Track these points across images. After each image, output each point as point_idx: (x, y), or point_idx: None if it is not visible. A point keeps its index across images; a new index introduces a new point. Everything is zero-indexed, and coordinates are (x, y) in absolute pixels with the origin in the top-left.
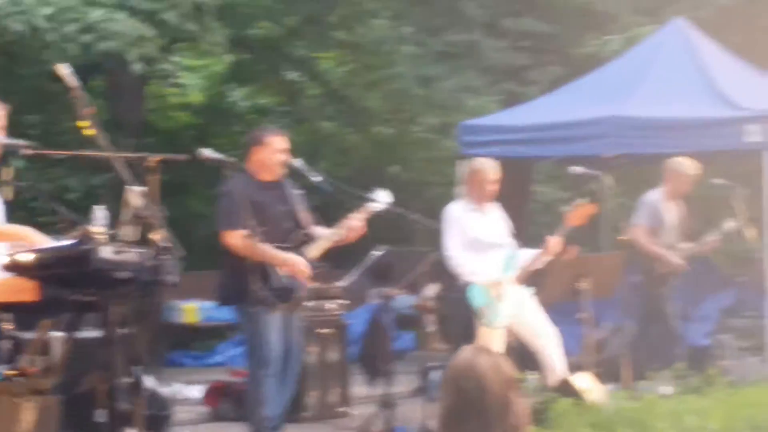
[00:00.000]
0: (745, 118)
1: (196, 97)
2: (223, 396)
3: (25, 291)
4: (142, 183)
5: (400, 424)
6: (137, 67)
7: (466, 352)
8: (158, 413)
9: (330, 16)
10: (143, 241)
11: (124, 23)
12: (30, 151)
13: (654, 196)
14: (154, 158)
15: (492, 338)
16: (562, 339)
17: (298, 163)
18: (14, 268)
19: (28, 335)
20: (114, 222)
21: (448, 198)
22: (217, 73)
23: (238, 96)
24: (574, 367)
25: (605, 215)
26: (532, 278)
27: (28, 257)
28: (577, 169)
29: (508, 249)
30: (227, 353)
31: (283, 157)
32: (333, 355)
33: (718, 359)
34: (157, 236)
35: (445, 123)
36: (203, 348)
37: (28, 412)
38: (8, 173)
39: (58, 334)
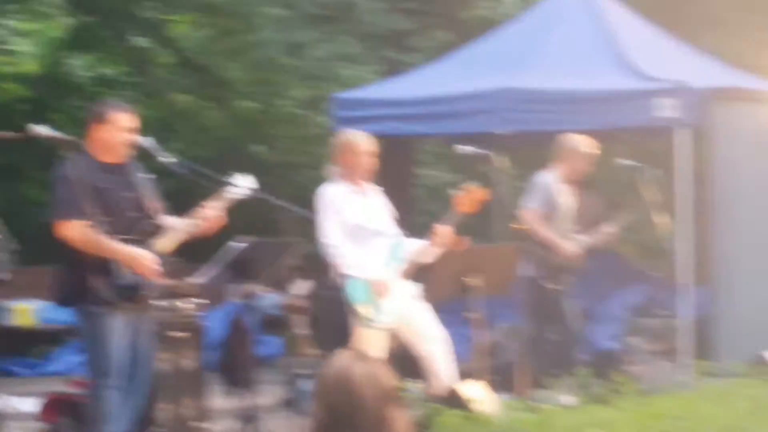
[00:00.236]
0: (656, 91)
1: (29, 66)
2: (61, 410)
3: None
4: None
5: None
6: None
7: (339, 360)
8: None
9: None
10: None
11: None
12: None
13: (547, 177)
14: None
15: (372, 341)
16: (450, 343)
17: (147, 142)
18: None
19: None
20: None
21: (319, 182)
22: (54, 39)
23: (79, 65)
24: (463, 374)
25: (498, 201)
26: (418, 273)
27: None
28: (466, 149)
29: (394, 238)
30: (66, 361)
31: (129, 135)
32: (188, 363)
33: (627, 364)
34: None
35: (317, 96)
36: (39, 355)
37: None
38: None
39: None
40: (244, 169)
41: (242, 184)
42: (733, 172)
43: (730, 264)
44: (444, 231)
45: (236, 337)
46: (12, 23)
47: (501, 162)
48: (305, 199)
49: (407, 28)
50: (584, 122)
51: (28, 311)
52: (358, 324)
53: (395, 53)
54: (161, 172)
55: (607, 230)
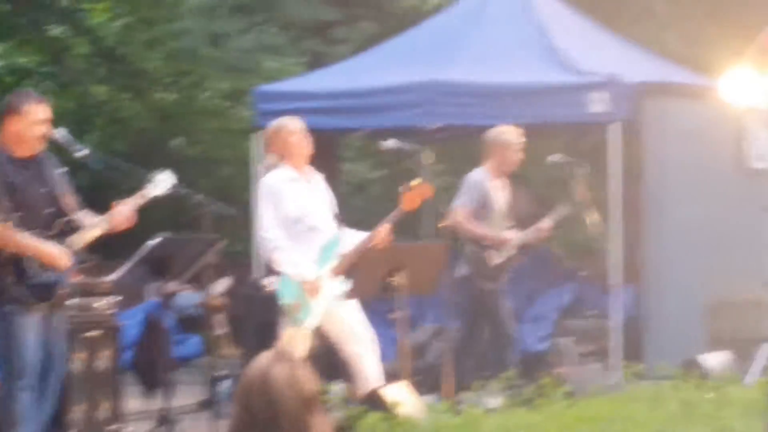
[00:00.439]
0: (587, 85)
1: None
2: None
3: None
4: None
5: None
6: None
7: (260, 361)
8: None
9: None
10: None
11: None
12: None
13: (479, 174)
14: None
15: (299, 340)
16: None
17: (61, 134)
18: None
19: None
20: None
21: (241, 177)
22: None
23: None
24: (387, 376)
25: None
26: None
27: None
28: (392, 144)
29: (330, 235)
30: None
31: (43, 128)
32: (103, 363)
33: (555, 366)
34: None
35: (239, 89)
36: None
37: None
38: None
39: None
40: (163, 163)
41: (160, 182)
42: (664, 169)
43: (661, 263)
44: (385, 229)
45: (152, 337)
46: None
47: (427, 157)
48: (226, 195)
49: (332, 19)
50: (513, 117)
51: None
52: (286, 322)
53: (320, 45)
54: (76, 166)
55: (543, 226)
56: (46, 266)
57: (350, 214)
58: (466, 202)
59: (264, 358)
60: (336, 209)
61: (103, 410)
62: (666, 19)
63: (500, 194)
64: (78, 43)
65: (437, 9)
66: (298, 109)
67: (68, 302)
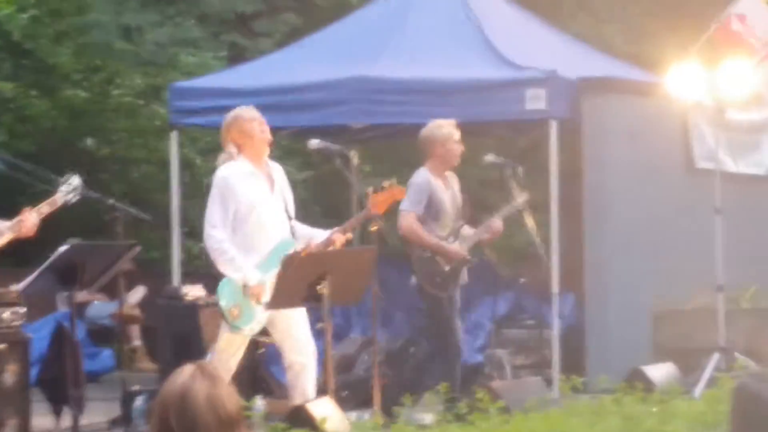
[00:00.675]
0: (527, 81)
1: None
2: None
3: None
4: None
5: None
6: None
7: (178, 377)
8: None
9: None
10: None
11: None
12: None
13: (423, 175)
14: None
15: (235, 347)
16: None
17: None
18: None
19: None
20: None
21: (157, 178)
22: None
23: None
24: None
25: (353, 201)
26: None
27: None
28: (316, 143)
29: (283, 235)
30: None
31: None
32: (9, 378)
33: (490, 379)
34: None
35: (155, 85)
36: None
37: None
38: None
39: None
40: (73, 164)
41: (67, 187)
42: (605, 169)
43: (603, 269)
44: (345, 231)
45: (61, 350)
46: None
47: (356, 158)
48: (141, 197)
49: (254, 11)
50: (446, 115)
51: None
52: (223, 327)
53: (240, 38)
54: None
55: (493, 224)
56: None
57: None
58: (413, 206)
59: (183, 374)
60: (292, 206)
61: (10, 429)
62: (606, 12)
63: (447, 193)
64: None
65: (364, 1)
66: (217, 107)
67: None
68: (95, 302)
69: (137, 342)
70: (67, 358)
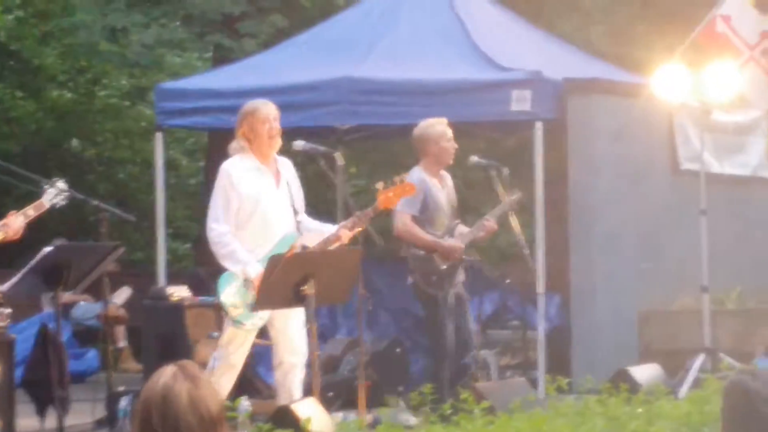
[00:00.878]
0: (512, 82)
1: None
2: None
3: None
4: None
5: None
6: None
7: (160, 377)
8: None
9: None
10: None
11: None
12: None
13: (417, 175)
14: None
15: (239, 343)
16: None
17: None
18: None
19: None
20: None
21: (142, 179)
22: None
23: None
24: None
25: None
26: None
27: None
28: (301, 145)
29: (287, 230)
30: None
31: None
32: None
33: (475, 380)
34: None
35: (140, 86)
36: None
37: None
38: None
39: None
40: (59, 166)
41: (52, 192)
42: (591, 170)
43: (589, 269)
44: (356, 226)
45: (47, 351)
46: None
47: (340, 159)
48: (127, 198)
49: (238, 12)
50: (432, 115)
51: None
52: (227, 321)
53: (226, 39)
54: None
55: (488, 222)
56: None
57: None
58: (408, 206)
59: (164, 374)
60: (300, 201)
61: None
62: (592, 13)
63: (442, 192)
64: None
65: (351, 1)
66: (203, 108)
67: None
68: (81, 303)
69: (123, 343)
70: (52, 358)
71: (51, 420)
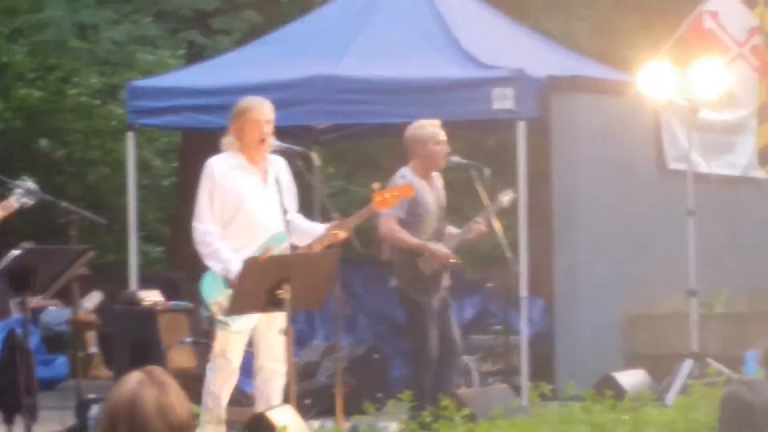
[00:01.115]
0: (494, 80)
1: None
2: None
3: None
4: None
5: None
6: None
7: (127, 384)
8: None
9: None
10: None
11: None
12: None
13: (407, 175)
14: None
15: (230, 345)
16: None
17: None
18: None
19: None
20: None
21: (115, 181)
22: None
23: None
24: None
25: (317, 203)
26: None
27: None
28: (277, 145)
29: (275, 229)
30: None
31: None
32: None
33: (457, 386)
34: None
35: (111, 84)
36: None
37: None
38: None
39: None
40: (28, 166)
41: (24, 189)
42: (575, 170)
43: (573, 273)
44: (349, 227)
45: (14, 357)
46: None
47: (316, 159)
48: (98, 200)
49: (212, 8)
50: (412, 115)
51: None
52: (215, 326)
53: (200, 36)
54: None
55: (477, 225)
56: None
57: None
58: (395, 209)
59: (131, 381)
60: (292, 200)
61: None
62: (576, 9)
63: (431, 194)
64: None
65: None
66: (176, 107)
67: None
68: (50, 308)
69: (93, 349)
70: (20, 365)
71: (18, 429)
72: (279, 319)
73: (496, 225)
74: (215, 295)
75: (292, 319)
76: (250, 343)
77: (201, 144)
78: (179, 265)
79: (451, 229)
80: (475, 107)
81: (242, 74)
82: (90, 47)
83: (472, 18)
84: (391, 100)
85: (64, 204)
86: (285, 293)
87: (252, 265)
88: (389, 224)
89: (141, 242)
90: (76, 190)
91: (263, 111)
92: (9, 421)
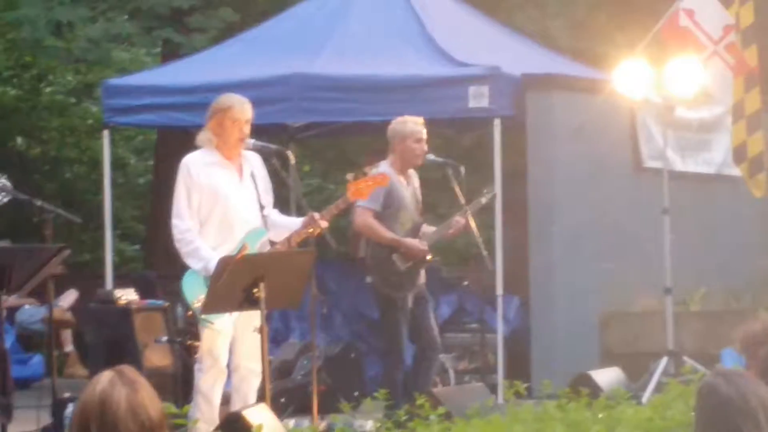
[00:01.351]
0: (469, 78)
1: None
2: None
3: None
4: None
5: None
6: None
7: (98, 383)
8: None
9: None
10: None
11: None
12: None
13: (384, 170)
14: None
15: (218, 345)
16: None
17: None
18: None
19: None
20: None
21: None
22: None
23: None
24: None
25: (292, 201)
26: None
27: None
28: (252, 143)
29: (253, 225)
30: None
31: None
32: None
33: (432, 385)
34: None
35: (87, 82)
36: None
37: None
38: None
39: None
40: (3, 165)
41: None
42: (551, 169)
43: (549, 271)
44: (325, 219)
45: None
46: None
47: (294, 157)
48: (74, 198)
49: (188, 6)
50: (387, 113)
51: None
52: (200, 325)
53: (175, 34)
54: None
55: (456, 222)
56: None
57: None
58: (371, 203)
59: (102, 380)
60: (268, 195)
61: None
62: (552, 6)
63: (407, 190)
64: None
65: None
66: (152, 105)
67: None
68: (25, 307)
69: (69, 347)
70: None
71: None
72: (255, 318)
73: (472, 223)
74: (197, 293)
75: (268, 318)
76: None
77: (177, 142)
78: (155, 263)
79: (427, 228)
80: (452, 105)
81: (218, 72)
82: (65, 45)
83: (447, 16)
84: (367, 98)
85: (39, 202)
86: (260, 292)
87: (226, 264)
88: (365, 217)
89: (116, 240)
90: (52, 189)
91: (244, 110)
92: None
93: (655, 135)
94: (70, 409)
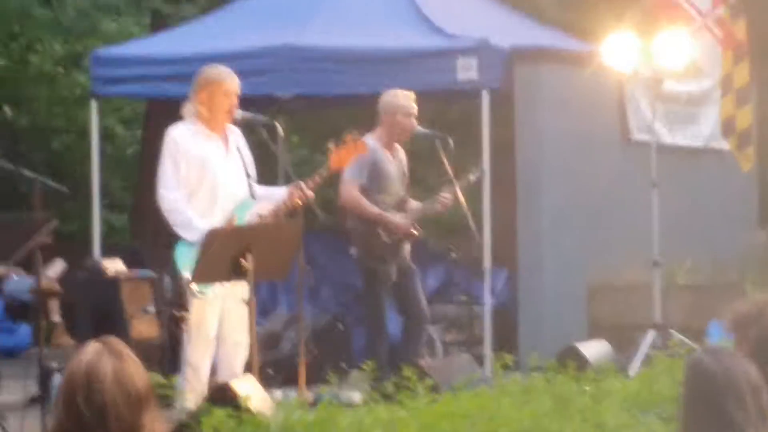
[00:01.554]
0: (457, 50)
1: None
2: None
3: None
4: None
5: None
6: None
7: (84, 354)
8: None
9: None
10: None
11: None
12: None
13: (370, 141)
14: None
15: (205, 314)
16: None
17: None
18: None
19: None
20: None
21: (78, 149)
22: None
23: None
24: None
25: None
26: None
27: None
28: (240, 114)
29: (241, 196)
30: None
31: None
32: None
33: (420, 356)
34: None
35: (75, 52)
36: None
37: None
38: None
39: None
40: None
41: None
42: (539, 141)
43: (537, 243)
44: (309, 188)
45: None
46: None
47: (282, 129)
48: (62, 169)
49: None
50: (375, 84)
51: None
52: (189, 296)
53: (164, 4)
54: None
55: (444, 196)
56: None
57: None
58: (356, 175)
59: (88, 352)
60: (252, 166)
61: None
62: None
63: (393, 164)
64: None
65: None
66: (140, 76)
67: None
68: (14, 277)
69: (57, 317)
70: None
71: None
72: (242, 289)
73: (461, 195)
74: (191, 264)
75: (255, 290)
76: None
77: (165, 113)
78: (142, 234)
79: (413, 203)
80: (440, 77)
81: (207, 43)
82: (53, 15)
83: None
84: (356, 69)
85: (27, 172)
86: (248, 263)
87: (214, 234)
88: (350, 191)
89: (104, 211)
90: (40, 158)
91: (233, 83)
92: None
93: (644, 108)
94: (57, 379)
